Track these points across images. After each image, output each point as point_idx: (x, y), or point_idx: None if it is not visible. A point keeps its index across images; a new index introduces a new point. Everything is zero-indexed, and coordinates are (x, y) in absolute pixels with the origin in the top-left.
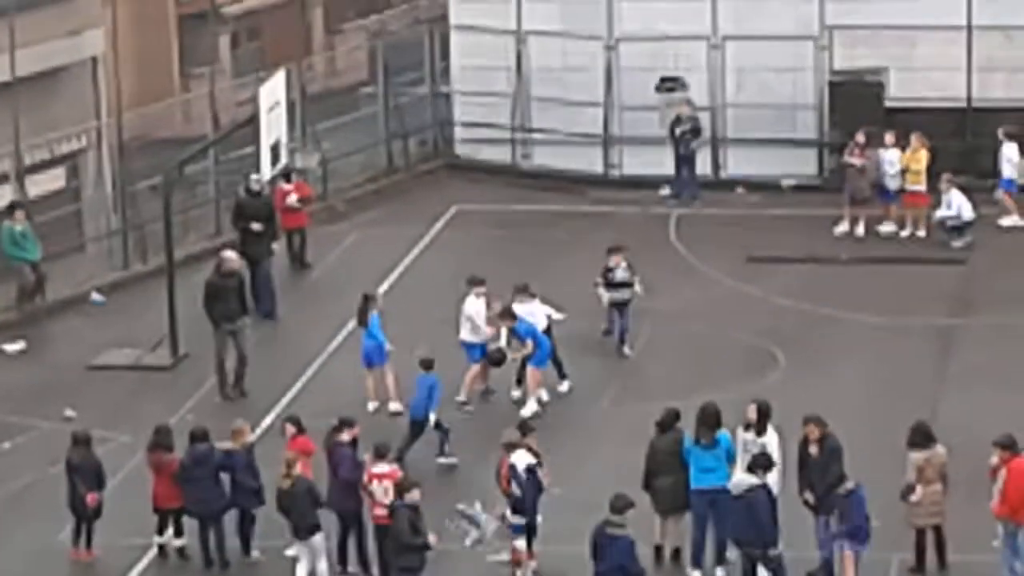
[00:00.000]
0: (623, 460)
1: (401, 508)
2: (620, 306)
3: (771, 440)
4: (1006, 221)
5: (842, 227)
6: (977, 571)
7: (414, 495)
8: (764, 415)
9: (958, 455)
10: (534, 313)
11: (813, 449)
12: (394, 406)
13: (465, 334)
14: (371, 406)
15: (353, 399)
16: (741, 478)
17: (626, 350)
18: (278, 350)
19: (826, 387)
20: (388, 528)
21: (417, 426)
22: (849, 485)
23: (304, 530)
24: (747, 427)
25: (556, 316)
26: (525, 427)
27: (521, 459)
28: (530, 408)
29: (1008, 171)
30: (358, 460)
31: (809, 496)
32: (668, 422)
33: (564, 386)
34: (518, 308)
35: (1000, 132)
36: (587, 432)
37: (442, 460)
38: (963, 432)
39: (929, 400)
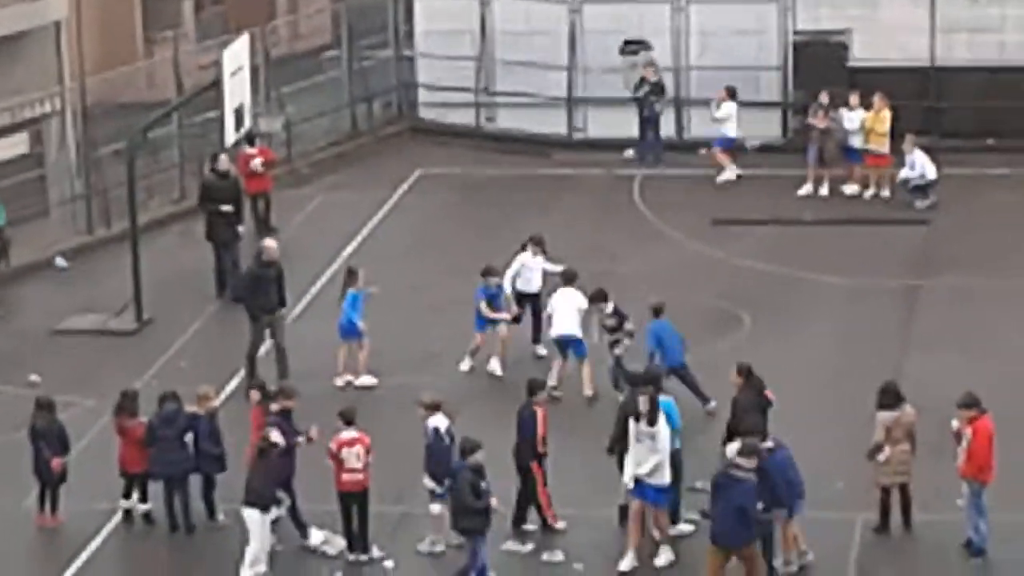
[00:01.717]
0: (591, 419)
1: (463, 470)
2: None
3: (661, 430)
4: (723, 176)
5: (806, 188)
6: (941, 530)
7: (477, 457)
8: (655, 405)
9: (922, 416)
10: (533, 269)
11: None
12: (364, 380)
13: (569, 327)
14: (339, 381)
15: (317, 363)
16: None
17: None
18: (243, 315)
19: (791, 348)
20: (357, 495)
21: (684, 371)
22: (768, 444)
23: (257, 503)
24: (637, 417)
25: (553, 268)
26: (535, 384)
27: (440, 421)
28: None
29: (729, 129)
30: (284, 431)
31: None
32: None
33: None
34: (527, 260)
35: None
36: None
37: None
38: (927, 393)
39: (894, 361)
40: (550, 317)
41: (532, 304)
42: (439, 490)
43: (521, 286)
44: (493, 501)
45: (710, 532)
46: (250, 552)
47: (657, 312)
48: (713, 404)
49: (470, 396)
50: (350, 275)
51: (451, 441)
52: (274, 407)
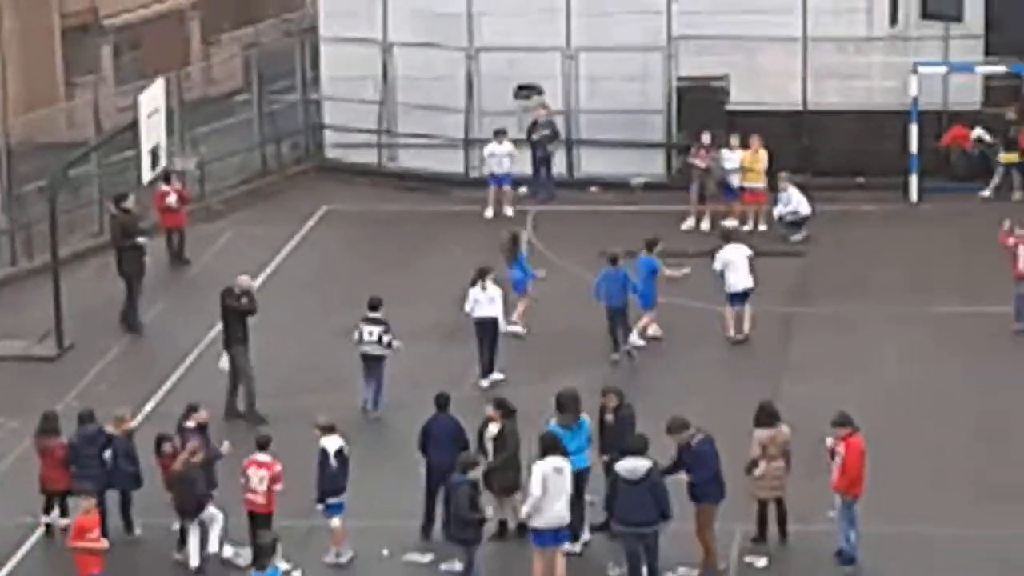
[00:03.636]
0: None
1: (462, 484)
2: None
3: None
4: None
5: (689, 223)
6: (815, 541)
7: (476, 472)
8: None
9: (797, 434)
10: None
11: (609, 417)
12: (514, 328)
13: (749, 281)
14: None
15: (227, 386)
16: (636, 463)
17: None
18: (159, 342)
19: (674, 371)
20: (259, 516)
21: (618, 313)
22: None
23: (190, 512)
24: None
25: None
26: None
27: (332, 443)
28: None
29: (504, 166)
30: (207, 444)
31: (606, 458)
32: (505, 406)
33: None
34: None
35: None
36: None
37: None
38: (802, 412)
39: (771, 383)
40: (723, 273)
41: (487, 330)
42: (332, 503)
43: (479, 312)
44: (489, 511)
45: (701, 493)
46: (217, 535)
47: (613, 261)
48: (615, 356)
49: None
50: (516, 239)
51: (344, 462)
52: (190, 424)
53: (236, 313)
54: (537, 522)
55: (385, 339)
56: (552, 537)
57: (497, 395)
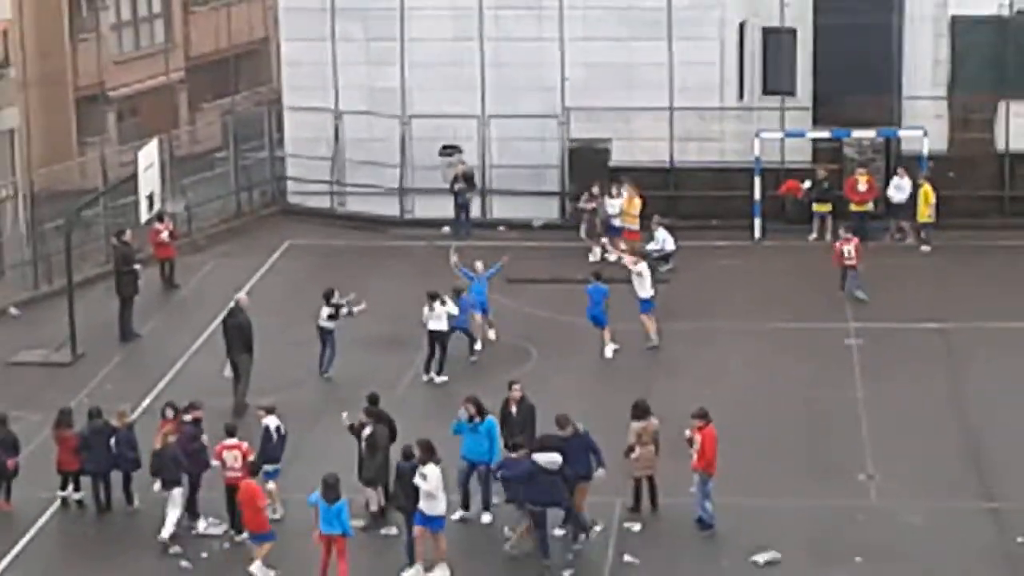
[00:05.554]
0: (414, 433)
1: (408, 468)
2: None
3: (428, 470)
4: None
5: (594, 254)
6: (679, 510)
7: (415, 459)
8: (426, 450)
9: (665, 425)
10: (439, 315)
11: (513, 410)
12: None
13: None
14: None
15: (209, 386)
16: (552, 457)
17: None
18: (154, 351)
19: (566, 375)
20: (237, 488)
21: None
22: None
23: (169, 483)
24: (407, 456)
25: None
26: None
27: (271, 421)
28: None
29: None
30: (196, 435)
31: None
32: (375, 410)
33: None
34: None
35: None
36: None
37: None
38: (669, 407)
39: (645, 384)
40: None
41: (440, 340)
42: (269, 470)
43: (432, 326)
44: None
45: (573, 474)
46: (175, 517)
47: (457, 293)
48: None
49: (325, 406)
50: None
51: (280, 436)
52: (187, 417)
53: (237, 330)
54: (427, 510)
55: (342, 311)
56: (439, 522)
57: (369, 407)
